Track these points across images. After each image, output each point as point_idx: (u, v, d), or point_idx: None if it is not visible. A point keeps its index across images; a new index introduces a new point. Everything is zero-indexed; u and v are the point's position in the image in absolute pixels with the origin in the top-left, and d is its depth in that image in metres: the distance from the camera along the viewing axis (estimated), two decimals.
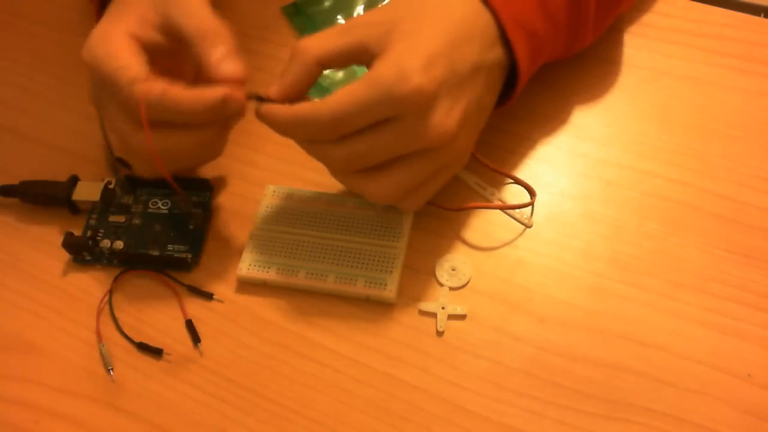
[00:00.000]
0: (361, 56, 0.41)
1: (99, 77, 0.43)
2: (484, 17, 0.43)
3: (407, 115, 0.40)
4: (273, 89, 0.42)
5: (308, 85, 0.42)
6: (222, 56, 0.42)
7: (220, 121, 0.43)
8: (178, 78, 0.43)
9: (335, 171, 0.44)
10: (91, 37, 0.44)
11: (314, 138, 0.42)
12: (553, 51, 0.48)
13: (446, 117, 0.40)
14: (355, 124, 0.40)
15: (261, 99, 0.42)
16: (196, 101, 0.41)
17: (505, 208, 0.48)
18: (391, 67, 0.39)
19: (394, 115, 0.40)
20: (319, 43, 0.41)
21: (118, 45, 0.43)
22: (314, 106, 0.40)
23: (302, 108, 0.41)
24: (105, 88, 0.43)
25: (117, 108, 0.43)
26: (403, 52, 0.40)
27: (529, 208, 0.48)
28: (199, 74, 0.43)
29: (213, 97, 0.41)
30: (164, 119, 0.42)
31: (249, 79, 0.42)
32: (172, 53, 0.44)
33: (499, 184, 0.49)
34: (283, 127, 0.42)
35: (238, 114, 0.42)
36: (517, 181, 0.48)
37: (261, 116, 0.42)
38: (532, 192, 0.48)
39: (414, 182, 0.43)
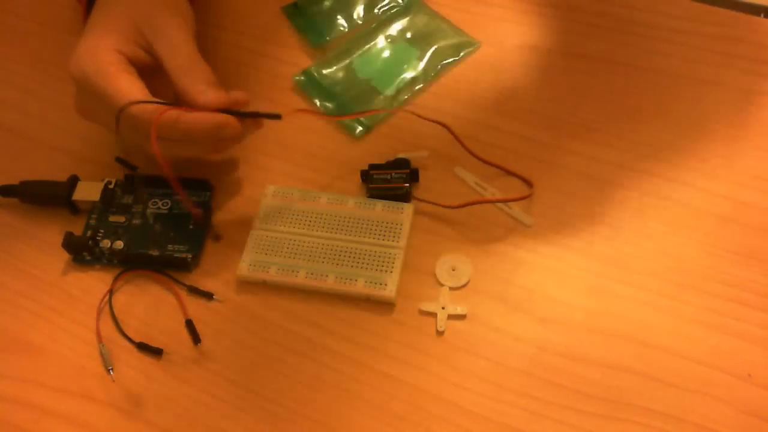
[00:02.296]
0: None
1: (91, 92, 0.45)
2: None
3: None
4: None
5: None
6: (203, 89, 0.45)
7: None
8: (158, 85, 0.46)
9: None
10: (78, 51, 0.46)
11: None
12: None
13: None
14: None
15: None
16: (195, 124, 0.44)
17: (504, 201, 0.48)
18: None
19: None
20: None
21: (107, 61, 0.45)
22: None
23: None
24: (100, 102, 0.45)
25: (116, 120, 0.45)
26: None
27: (529, 205, 0.48)
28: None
29: (209, 123, 0.44)
30: (168, 136, 0.44)
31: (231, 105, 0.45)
32: (154, 66, 0.47)
33: (499, 184, 0.49)
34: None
35: (234, 139, 0.46)
36: (511, 173, 0.48)
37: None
38: (529, 184, 0.48)
39: None
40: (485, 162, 0.48)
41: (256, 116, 0.46)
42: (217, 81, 0.46)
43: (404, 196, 0.48)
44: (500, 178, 0.49)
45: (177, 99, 0.46)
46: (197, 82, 0.45)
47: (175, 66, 0.46)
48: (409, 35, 0.56)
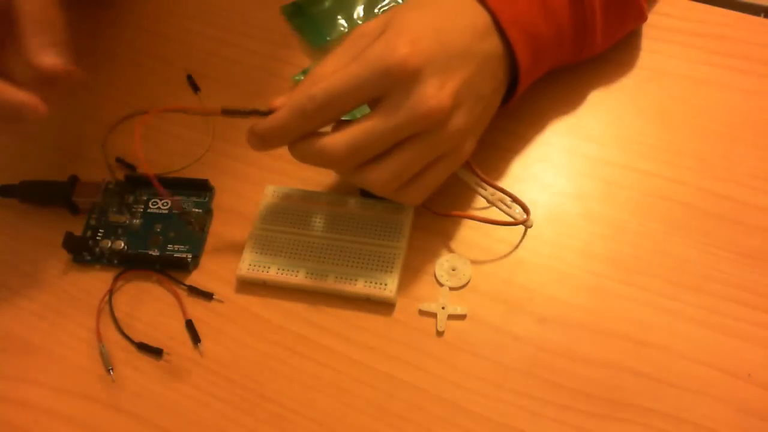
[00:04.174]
0: None
1: None
2: (475, 10, 0.44)
3: (396, 90, 0.40)
4: (279, 100, 0.43)
5: None
6: (44, 44, 0.40)
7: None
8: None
9: (336, 166, 0.44)
10: None
11: (310, 125, 0.42)
12: (560, 53, 0.48)
13: (438, 91, 0.41)
14: (347, 102, 0.41)
15: (260, 114, 0.43)
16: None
17: (495, 223, 0.47)
18: (379, 44, 0.41)
19: (385, 91, 0.41)
20: (327, 64, 0.42)
21: None
22: (306, 90, 0.41)
23: (294, 97, 0.42)
24: None
25: None
26: (391, 33, 0.41)
27: (529, 206, 0.47)
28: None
29: (11, 99, 0.40)
30: None
31: (66, 75, 0.41)
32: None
33: (500, 184, 0.49)
34: (280, 127, 0.42)
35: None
36: (514, 199, 0.47)
37: (259, 132, 0.43)
38: (526, 210, 0.47)
39: (411, 169, 0.43)
40: (487, 183, 0.47)
41: (252, 114, 0.44)
42: (63, 41, 0.41)
43: None
44: (501, 179, 0.49)
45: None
46: (43, 33, 0.40)
47: (25, 10, 0.40)
48: None
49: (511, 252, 0.47)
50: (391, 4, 0.58)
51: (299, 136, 0.43)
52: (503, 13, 0.44)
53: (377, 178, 0.43)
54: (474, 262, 0.46)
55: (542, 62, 0.47)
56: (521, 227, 0.47)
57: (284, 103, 0.42)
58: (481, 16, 0.44)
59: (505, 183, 0.49)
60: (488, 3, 0.44)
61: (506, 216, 0.47)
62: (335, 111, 0.41)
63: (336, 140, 0.42)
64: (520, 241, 0.47)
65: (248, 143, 0.43)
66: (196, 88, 0.54)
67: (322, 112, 0.41)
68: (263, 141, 0.43)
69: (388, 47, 0.40)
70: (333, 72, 0.42)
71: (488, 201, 0.48)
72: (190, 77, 0.55)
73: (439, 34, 0.42)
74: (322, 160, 0.43)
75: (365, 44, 0.42)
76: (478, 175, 0.47)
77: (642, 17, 0.51)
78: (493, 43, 0.44)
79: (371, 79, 0.40)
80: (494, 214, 0.47)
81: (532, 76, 0.47)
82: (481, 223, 0.47)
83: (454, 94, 0.41)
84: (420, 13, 0.43)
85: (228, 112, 0.43)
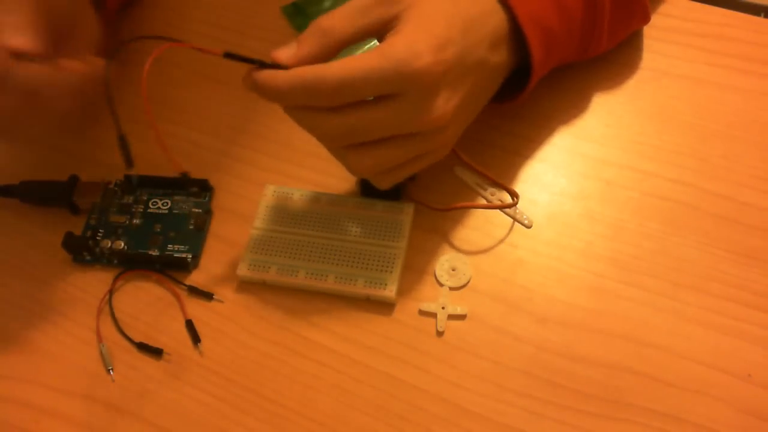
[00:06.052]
0: (377, 33, 0.41)
1: None
2: (498, 17, 0.44)
3: (410, 94, 0.40)
4: (285, 54, 0.41)
5: (323, 61, 0.41)
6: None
7: None
8: None
9: (325, 142, 0.43)
10: None
11: (313, 103, 0.41)
12: (568, 51, 0.48)
13: (445, 103, 0.41)
14: (357, 94, 0.40)
15: (263, 65, 0.41)
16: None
17: (488, 207, 0.48)
18: (404, 43, 0.39)
19: (398, 91, 0.40)
20: (342, 23, 0.41)
21: None
22: (319, 68, 0.40)
23: (306, 70, 0.40)
24: None
25: None
26: (417, 31, 0.40)
27: (529, 206, 0.48)
28: None
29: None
30: None
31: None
32: None
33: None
34: (283, 91, 0.40)
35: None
36: (499, 185, 0.48)
37: (258, 82, 0.40)
38: (513, 194, 0.47)
39: (395, 161, 0.43)
40: (475, 171, 0.48)
41: (256, 64, 0.41)
42: None
43: (395, 194, 0.48)
44: (502, 179, 0.49)
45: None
46: None
47: None
48: None
49: (511, 252, 0.47)
50: None
51: (298, 105, 0.42)
52: (521, 8, 0.44)
53: (361, 161, 0.42)
54: (474, 262, 0.46)
55: (551, 58, 0.47)
56: (521, 227, 0.47)
57: (289, 58, 0.40)
58: (501, 24, 0.44)
59: (505, 183, 0.49)
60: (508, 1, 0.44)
61: (507, 216, 0.48)
62: (343, 98, 0.40)
63: (333, 120, 0.41)
64: (520, 241, 0.47)
65: (242, 82, 0.41)
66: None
67: (330, 96, 0.40)
68: (259, 92, 0.41)
69: (412, 51, 0.39)
70: (340, 24, 0.40)
71: (486, 200, 0.48)
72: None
73: (463, 43, 0.41)
74: (314, 131, 0.42)
75: (382, 13, 0.40)
76: (462, 160, 0.47)
77: (646, 18, 0.51)
78: (502, 55, 0.44)
79: (388, 78, 0.39)
80: (503, 200, 0.48)
81: (542, 72, 0.47)
82: (482, 224, 0.47)
83: (457, 106, 0.42)
84: (447, 14, 0.41)
85: (230, 56, 0.41)
